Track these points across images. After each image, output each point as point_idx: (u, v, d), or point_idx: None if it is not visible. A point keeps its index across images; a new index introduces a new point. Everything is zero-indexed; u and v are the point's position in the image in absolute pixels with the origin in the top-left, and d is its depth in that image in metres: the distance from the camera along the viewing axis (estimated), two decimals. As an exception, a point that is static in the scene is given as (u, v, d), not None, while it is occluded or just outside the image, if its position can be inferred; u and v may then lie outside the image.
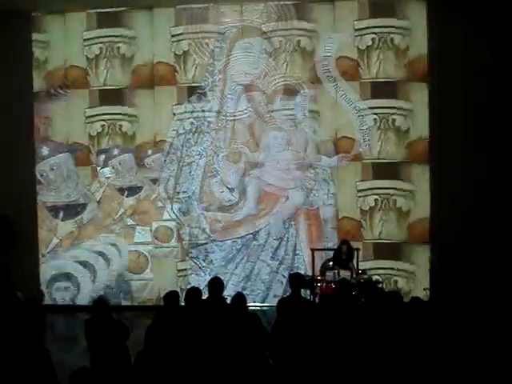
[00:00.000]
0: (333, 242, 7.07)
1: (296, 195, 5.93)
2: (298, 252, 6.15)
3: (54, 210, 9.68)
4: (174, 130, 6.38)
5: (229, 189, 5.69)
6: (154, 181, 9.22)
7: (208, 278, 6.53)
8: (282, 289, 6.16)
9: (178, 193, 6.76)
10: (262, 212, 6.04)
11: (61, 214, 9.54)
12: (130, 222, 9.24)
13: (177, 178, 6.44)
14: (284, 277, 6.21)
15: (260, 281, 6.34)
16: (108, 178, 9.53)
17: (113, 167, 9.41)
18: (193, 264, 6.85)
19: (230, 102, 6.05)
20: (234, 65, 6.36)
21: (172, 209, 6.83)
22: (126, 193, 9.30)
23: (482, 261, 8.78)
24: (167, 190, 6.49)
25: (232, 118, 6.12)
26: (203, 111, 6.10)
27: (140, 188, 9.18)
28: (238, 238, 6.15)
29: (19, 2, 9.21)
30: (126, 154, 9.40)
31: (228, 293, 5.92)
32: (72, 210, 9.55)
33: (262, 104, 5.65)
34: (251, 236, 6.20)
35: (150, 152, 9.21)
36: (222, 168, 5.93)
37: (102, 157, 9.60)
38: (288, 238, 6.12)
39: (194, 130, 6.30)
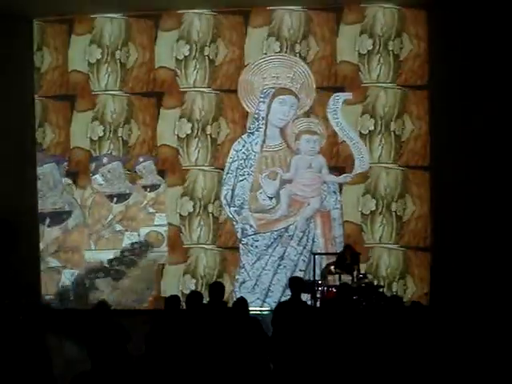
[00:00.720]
0: (341, 238, 8.90)
1: (314, 202, 8.22)
2: (315, 240, 8.34)
3: (41, 216, 9.92)
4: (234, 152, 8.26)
5: (269, 197, 7.83)
6: (146, 187, 9.61)
7: (254, 258, 8.44)
8: (304, 266, 8.35)
9: (234, 201, 8.38)
10: (292, 213, 8.29)
11: (47, 221, 9.87)
12: (118, 227, 9.77)
13: (233, 191, 8.19)
14: (306, 257, 8.35)
15: (290, 260, 8.48)
16: (101, 184, 9.80)
17: (102, 175, 9.80)
18: (244, 248, 8.70)
19: (270, 138, 8.13)
20: (273, 113, 8.27)
21: (230, 211, 8.54)
22: (115, 199, 9.77)
23: (483, 265, 8.76)
24: (227, 199, 8.17)
25: (271, 150, 8.21)
26: (251, 144, 8.09)
27: (128, 195, 9.72)
28: (275, 230, 8.29)
29: (21, 8, 9.23)
30: (115, 162, 9.79)
31: (268, 268, 8.26)
32: (57, 217, 9.87)
33: (291, 140, 7.91)
34: (284, 229, 8.33)
35: (141, 159, 9.71)
36: (264, 183, 8.04)
37: (93, 164, 9.84)
38: (309, 230, 8.30)
39: (245, 157, 8.22)
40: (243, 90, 8.33)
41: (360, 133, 9.44)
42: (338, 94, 8.40)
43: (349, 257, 8.38)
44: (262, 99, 7.94)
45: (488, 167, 8.94)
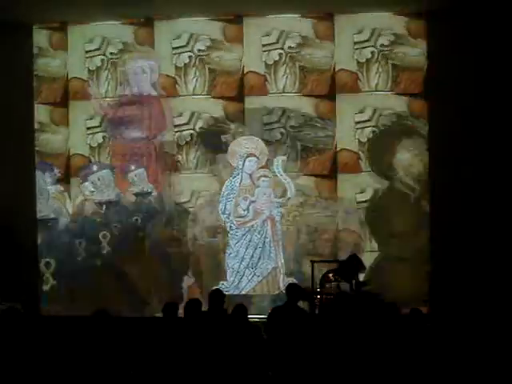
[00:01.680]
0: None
1: (267, 212, 9.81)
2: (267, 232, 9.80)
3: None
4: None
5: (243, 210, 9.71)
6: (137, 195, 9.87)
7: (235, 241, 9.87)
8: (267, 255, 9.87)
9: (225, 211, 9.81)
10: (255, 218, 9.84)
11: None
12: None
13: (225, 206, 9.72)
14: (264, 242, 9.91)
15: (255, 248, 9.86)
16: (92, 192, 9.91)
17: (92, 182, 9.93)
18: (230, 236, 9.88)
19: (244, 179, 9.78)
20: (246, 166, 9.84)
21: (223, 217, 9.83)
22: (104, 206, 9.93)
23: (483, 272, 8.76)
24: (222, 210, 9.77)
25: (245, 186, 9.80)
26: (234, 182, 9.79)
27: (117, 202, 9.93)
28: (247, 226, 9.78)
29: (20, 15, 9.25)
30: (105, 170, 9.92)
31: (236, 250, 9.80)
32: (43, 224, 9.95)
33: (255, 180, 9.78)
34: (251, 226, 9.81)
35: (133, 167, 9.88)
36: (241, 202, 9.76)
37: (83, 172, 9.94)
38: (266, 230, 9.79)
39: (230, 189, 9.75)
40: (230, 154, 9.67)
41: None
42: (278, 157, 9.69)
43: (353, 268, 8.33)
44: (240, 159, 9.65)
45: (490, 173, 8.97)
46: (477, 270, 8.78)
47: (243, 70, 9.64)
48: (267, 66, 9.65)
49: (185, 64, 9.74)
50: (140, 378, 4.99)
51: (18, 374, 4.92)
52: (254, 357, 5.38)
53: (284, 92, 9.63)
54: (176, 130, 9.73)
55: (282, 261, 9.68)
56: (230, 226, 9.77)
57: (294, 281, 9.03)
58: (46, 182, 9.95)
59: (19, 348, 5.20)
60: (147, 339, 5.70)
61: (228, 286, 9.67)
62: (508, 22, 8.89)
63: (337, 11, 9.45)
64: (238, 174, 9.80)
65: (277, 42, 9.61)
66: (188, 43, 9.72)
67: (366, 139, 9.50)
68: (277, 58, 9.63)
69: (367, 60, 9.51)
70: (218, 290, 6.56)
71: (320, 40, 9.55)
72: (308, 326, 5.85)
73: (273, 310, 6.41)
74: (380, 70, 9.52)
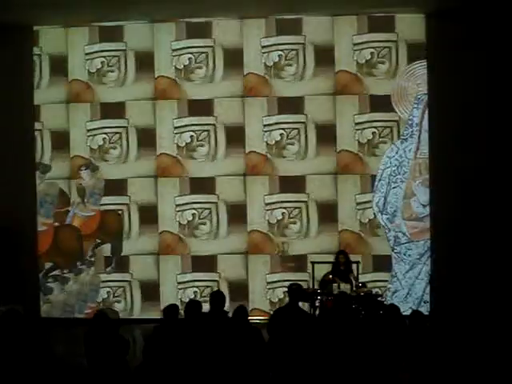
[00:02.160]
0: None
1: None
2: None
3: None
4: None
5: (422, 205, 7.84)
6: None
7: (407, 267, 8.39)
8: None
9: (386, 208, 8.26)
10: None
11: None
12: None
13: (385, 198, 8.14)
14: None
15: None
16: (84, 195, 9.86)
17: (86, 186, 9.88)
18: (396, 257, 8.47)
19: (424, 145, 8.06)
20: (427, 119, 8.05)
21: (382, 219, 8.40)
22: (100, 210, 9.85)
23: (484, 273, 8.76)
24: (379, 206, 8.13)
25: (425, 156, 7.91)
26: (404, 151, 7.83)
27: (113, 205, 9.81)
28: (428, 239, 8.20)
29: (21, 16, 9.25)
30: (98, 174, 9.83)
31: (421, 277, 8.18)
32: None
33: None
34: None
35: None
36: (417, 191, 8.12)
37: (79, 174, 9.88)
38: None
39: (398, 164, 8.01)
40: (396, 95, 7.93)
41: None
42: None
43: (342, 264, 8.39)
44: (415, 105, 7.73)
45: (490, 175, 8.97)
46: (477, 271, 8.79)
47: (243, 71, 9.63)
48: (267, 67, 9.65)
49: (184, 66, 9.74)
50: (141, 379, 5.00)
51: (17, 375, 4.93)
52: (254, 358, 5.38)
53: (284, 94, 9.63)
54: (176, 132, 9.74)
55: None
56: (396, 238, 8.42)
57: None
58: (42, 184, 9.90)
59: (19, 349, 5.20)
60: (147, 340, 5.71)
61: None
62: (509, 23, 8.91)
63: (337, 12, 9.44)
64: (413, 135, 7.86)
65: (276, 44, 9.61)
66: (188, 45, 9.70)
67: (365, 140, 9.51)
68: (276, 60, 9.63)
69: (367, 61, 9.52)
70: (218, 291, 6.57)
71: (320, 41, 9.54)
72: (309, 327, 5.85)
73: (275, 312, 6.44)
74: (380, 70, 9.52)
